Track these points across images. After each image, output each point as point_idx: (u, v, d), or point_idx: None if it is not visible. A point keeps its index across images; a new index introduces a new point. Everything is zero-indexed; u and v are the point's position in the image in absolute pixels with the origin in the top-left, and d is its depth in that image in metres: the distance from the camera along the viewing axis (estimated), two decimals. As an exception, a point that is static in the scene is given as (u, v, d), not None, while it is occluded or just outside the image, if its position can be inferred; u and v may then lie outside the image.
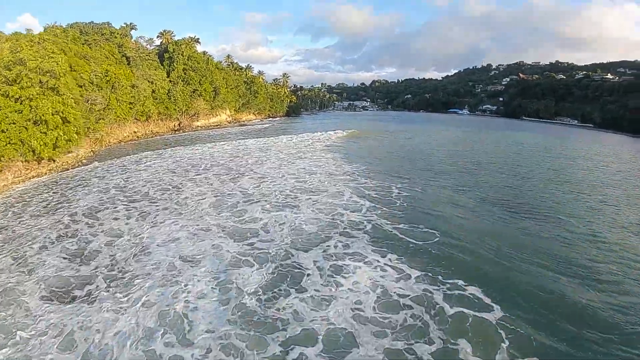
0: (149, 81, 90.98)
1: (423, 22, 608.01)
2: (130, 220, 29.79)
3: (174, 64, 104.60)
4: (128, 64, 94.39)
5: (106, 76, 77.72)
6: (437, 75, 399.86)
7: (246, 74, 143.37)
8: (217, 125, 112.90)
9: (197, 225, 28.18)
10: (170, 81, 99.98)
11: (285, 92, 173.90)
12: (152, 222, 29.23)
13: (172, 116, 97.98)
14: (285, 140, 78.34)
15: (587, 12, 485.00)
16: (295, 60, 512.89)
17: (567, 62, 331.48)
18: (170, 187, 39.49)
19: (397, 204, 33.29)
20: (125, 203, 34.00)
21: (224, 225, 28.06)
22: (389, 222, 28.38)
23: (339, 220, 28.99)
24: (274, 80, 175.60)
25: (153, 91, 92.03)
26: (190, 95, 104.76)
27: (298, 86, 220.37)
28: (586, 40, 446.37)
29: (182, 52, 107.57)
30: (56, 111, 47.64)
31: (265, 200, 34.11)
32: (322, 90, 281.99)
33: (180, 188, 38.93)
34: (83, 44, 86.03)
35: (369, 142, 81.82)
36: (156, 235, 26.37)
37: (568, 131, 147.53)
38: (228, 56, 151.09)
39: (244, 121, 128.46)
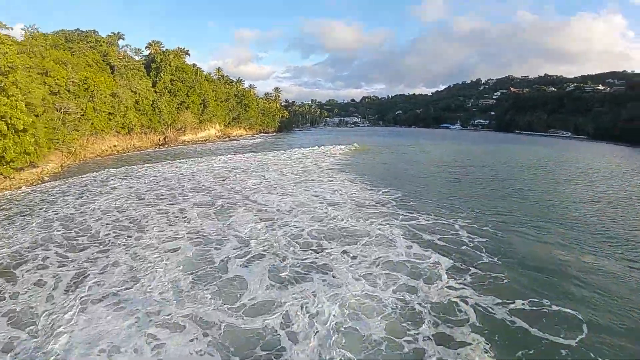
0: (132, 91, 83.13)
1: (412, 39, 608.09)
2: (55, 290, 18.15)
3: (161, 74, 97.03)
4: (112, 73, 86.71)
5: (85, 84, 69.90)
6: (426, 91, 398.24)
7: (237, 87, 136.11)
8: (205, 140, 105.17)
9: (154, 321, 15.51)
10: (155, 92, 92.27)
11: (277, 107, 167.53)
12: (83, 298, 17.31)
13: (157, 129, 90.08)
14: (283, 157, 69.65)
15: (573, 25, 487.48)
16: (286, 77, 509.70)
17: (555, 75, 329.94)
18: (130, 224, 28.19)
19: (485, 260, 21.38)
20: (62, 252, 22.90)
21: (206, 328, 15.06)
22: (499, 302, 16.78)
23: (417, 303, 16.71)
24: (265, 94, 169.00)
25: (136, 102, 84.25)
26: (177, 108, 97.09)
27: (290, 101, 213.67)
28: (573, 53, 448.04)
29: (170, 62, 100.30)
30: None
31: (275, 259, 21.55)
32: (313, 107, 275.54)
33: (144, 227, 27.50)
34: (66, 51, 78.56)
35: (380, 158, 73.86)
36: (80, 337, 14.58)
37: (570, 144, 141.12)
38: (218, 69, 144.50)
39: (234, 136, 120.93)
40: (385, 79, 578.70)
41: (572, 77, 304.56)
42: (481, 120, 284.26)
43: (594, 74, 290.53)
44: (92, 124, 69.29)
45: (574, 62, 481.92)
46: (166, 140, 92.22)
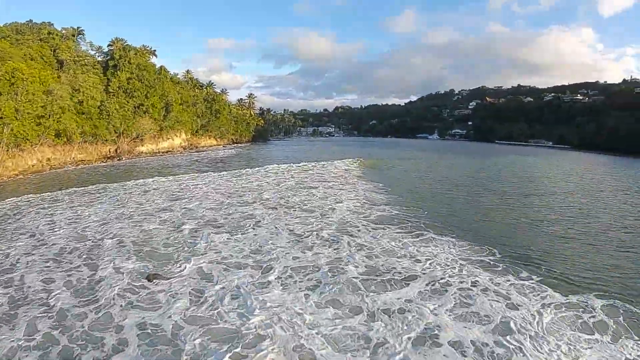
0: (74, 88, 64.98)
1: (385, 50, 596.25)
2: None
3: (118, 72, 79.05)
4: (60, 68, 68.62)
5: (13, 77, 51.88)
6: (398, 101, 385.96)
7: (207, 91, 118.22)
8: (167, 152, 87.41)
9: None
10: (108, 92, 74.19)
11: (251, 115, 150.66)
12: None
13: (107, 139, 71.92)
14: (272, 177, 51.08)
15: (544, 38, 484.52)
16: (258, 87, 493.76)
17: (529, 85, 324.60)
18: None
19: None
20: None
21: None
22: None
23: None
24: (238, 100, 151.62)
25: (80, 102, 66.09)
26: (134, 112, 79.05)
27: (265, 109, 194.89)
28: (544, 65, 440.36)
29: (130, 59, 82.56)
30: None
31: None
32: (287, 116, 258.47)
33: None
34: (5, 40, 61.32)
35: (406, 177, 57.86)
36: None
37: (565, 155, 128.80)
38: (187, 71, 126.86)
39: (202, 147, 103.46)
40: (357, 90, 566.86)
41: (546, 87, 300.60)
42: (458, 130, 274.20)
43: (567, 84, 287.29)
44: (12, 129, 50.98)
45: (545, 74, 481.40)
46: (118, 151, 74.10)
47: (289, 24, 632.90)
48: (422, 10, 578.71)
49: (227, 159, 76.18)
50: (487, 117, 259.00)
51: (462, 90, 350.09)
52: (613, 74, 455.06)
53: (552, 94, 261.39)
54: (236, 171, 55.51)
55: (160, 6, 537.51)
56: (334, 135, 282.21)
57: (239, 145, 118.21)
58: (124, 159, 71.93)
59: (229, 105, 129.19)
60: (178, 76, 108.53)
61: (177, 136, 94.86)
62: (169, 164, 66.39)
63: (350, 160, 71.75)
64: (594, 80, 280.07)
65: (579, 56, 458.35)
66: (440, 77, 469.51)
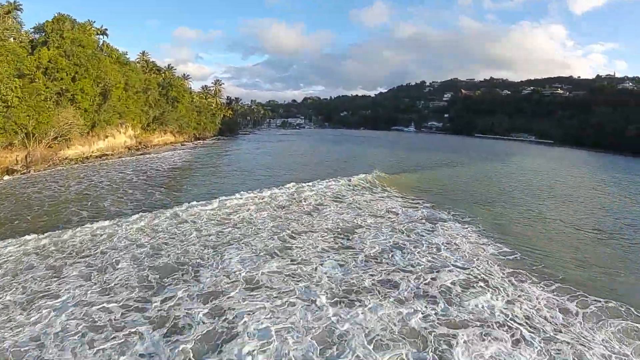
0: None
1: (353, 43, 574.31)
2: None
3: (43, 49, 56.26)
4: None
5: None
6: (366, 93, 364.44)
7: (164, 76, 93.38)
8: (103, 156, 63.09)
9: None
10: (21, 76, 49.75)
11: (217, 104, 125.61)
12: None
13: (15, 142, 47.83)
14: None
15: (514, 33, 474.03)
16: (225, 78, 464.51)
17: (501, 79, 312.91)
18: None
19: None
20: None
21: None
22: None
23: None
24: (202, 87, 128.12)
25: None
26: (56, 102, 54.81)
27: (233, 98, 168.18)
28: (513, 60, 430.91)
29: (62, 33, 59.87)
30: None
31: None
32: (254, 107, 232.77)
33: None
34: None
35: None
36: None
37: (556, 152, 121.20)
38: (143, 52, 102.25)
39: (155, 145, 79.71)
40: (324, 81, 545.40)
41: (518, 81, 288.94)
42: (435, 122, 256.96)
43: (541, 78, 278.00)
44: None
45: (514, 69, 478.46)
46: (29, 160, 49.80)
47: (259, 15, 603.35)
48: (393, 3, 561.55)
49: (175, 172, 50.27)
50: (463, 109, 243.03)
51: (433, 82, 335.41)
52: (580, 70, 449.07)
53: (532, 88, 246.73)
54: (177, 209, 31.22)
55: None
56: (304, 127, 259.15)
57: (202, 142, 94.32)
58: (32, 171, 47.57)
59: (190, 93, 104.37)
60: (129, 57, 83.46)
61: (120, 132, 70.61)
62: (68, 191, 38.21)
63: (369, 175, 47.29)
64: (566, 75, 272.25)
65: (548, 52, 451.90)
66: (408, 70, 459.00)
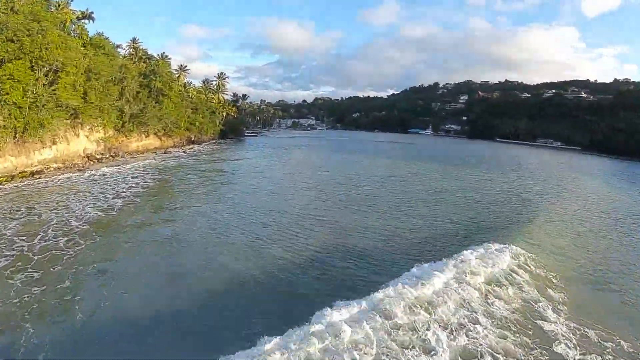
0: None
1: (362, 43, 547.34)
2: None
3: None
4: None
5: None
6: (375, 94, 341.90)
7: (148, 64, 72.43)
8: (37, 174, 40.33)
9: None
10: None
11: (220, 101, 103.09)
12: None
13: None
14: None
15: (525, 35, 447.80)
16: (235, 77, 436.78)
17: (517, 81, 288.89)
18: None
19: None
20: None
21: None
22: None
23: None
24: (203, 81, 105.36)
25: None
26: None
27: (240, 95, 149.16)
28: (522, 63, 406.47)
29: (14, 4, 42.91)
30: None
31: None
32: (263, 107, 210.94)
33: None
34: None
35: None
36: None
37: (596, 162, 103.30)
38: (134, 40, 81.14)
39: (132, 151, 58.53)
40: (334, 82, 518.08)
41: (534, 84, 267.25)
42: (452, 126, 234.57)
43: (556, 81, 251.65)
44: None
45: (524, 71, 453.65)
46: None
47: (268, 13, 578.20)
48: (403, 2, 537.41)
49: (97, 227, 24.21)
50: (483, 112, 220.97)
51: (447, 83, 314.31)
52: (591, 74, 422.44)
53: (553, 91, 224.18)
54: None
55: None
56: (315, 128, 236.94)
57: (196, 147, 72.82)
58: None
59: (184, 86, 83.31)
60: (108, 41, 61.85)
61: (79, 136, 49.43)
62: None
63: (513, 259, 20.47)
64: (583, 79, 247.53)
65: (559, 55, 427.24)
66: (417, 71, 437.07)
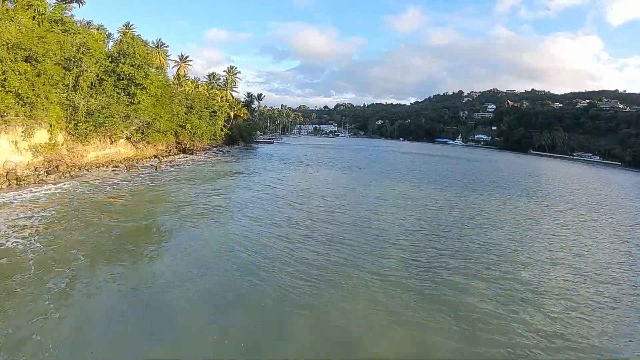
0: None
1: (385, 49, 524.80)
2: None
3: None
4: None
5: None
6: (395, 102, 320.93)
7: (125, 42, 47.36)
8: None
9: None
10: None
11: (228, 99, 79.69)
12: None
13: None
14: None
15: (548, 44, 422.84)
16: (256, 82, 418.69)
17: (543, 91, 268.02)
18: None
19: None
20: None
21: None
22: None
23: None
24: (209, 75, 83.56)
25: None
26: None
27: (253, 95, 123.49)
28: (544, 72, 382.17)
29: None
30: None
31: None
32: (284, 111, 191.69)
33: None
34: None
35: None
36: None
37: None
38: (127, 25, 65.60)
39: (86, 164, 38.35)
40: (354, 88, 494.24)
41: (561, 93, 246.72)
42: (482, 136, 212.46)
43: (584, 91, 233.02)
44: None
45: (546, 81, 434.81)
46: None
47: (289, 17, 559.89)
48: (428, 8, 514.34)
49: None
50: (514, 122, 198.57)
51: (472, 92, 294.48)
52: (615, 84, 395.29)
53: (588, 100, 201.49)
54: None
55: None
56: (337, 135, 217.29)
57: (184, 157, 52.00)
58: None
59: (177, 78, 63.50)
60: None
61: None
62: None
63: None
64: (612, 89, 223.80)
65: (582, 64, 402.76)
66: (438, 79, 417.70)
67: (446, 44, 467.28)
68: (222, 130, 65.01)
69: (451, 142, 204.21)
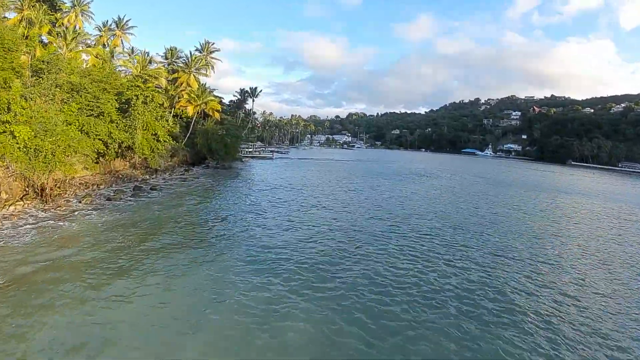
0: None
1: (395, 58, 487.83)
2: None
3: None
4: None
5: None
6: (407, 111, 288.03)
7: None
8: None
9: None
10: None
11: (188, 85, 44.40)
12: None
13: None
14: None
15: (563, 49, 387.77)
16: (267, 93, 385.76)
17: (563, 97, 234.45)
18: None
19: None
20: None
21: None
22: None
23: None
24: (165, 52, 50.31)
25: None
26: None
27: (248, 89, 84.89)
28: (556, 78, 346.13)
29: None
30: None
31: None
32: (296, 120, 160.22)
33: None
34: None
35: None
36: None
37: None
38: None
39: None
40: (365, 99, 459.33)
41: (582, 99, 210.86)
42: (512, 145, 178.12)
43: (606, 96, 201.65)
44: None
45: (558, 87, 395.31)
46: None
47: (298, 27, 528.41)
48: (438, 16, 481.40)
49: None
50: (546, 129, 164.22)
51: (489, 99, 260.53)
52: (631, 88, 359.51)
53: (624, 105, 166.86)
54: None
55: (166, 4, 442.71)
56: (353, 146, 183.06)
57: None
58: None
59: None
60: None
61: None
62: None
63: None
64: (635, 93, 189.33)
65: (595, 69, 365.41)
66: (449, 88, 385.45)
67: (457, 51, 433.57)
68: (159, 140, 32.05)
69: (480, 153, 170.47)
